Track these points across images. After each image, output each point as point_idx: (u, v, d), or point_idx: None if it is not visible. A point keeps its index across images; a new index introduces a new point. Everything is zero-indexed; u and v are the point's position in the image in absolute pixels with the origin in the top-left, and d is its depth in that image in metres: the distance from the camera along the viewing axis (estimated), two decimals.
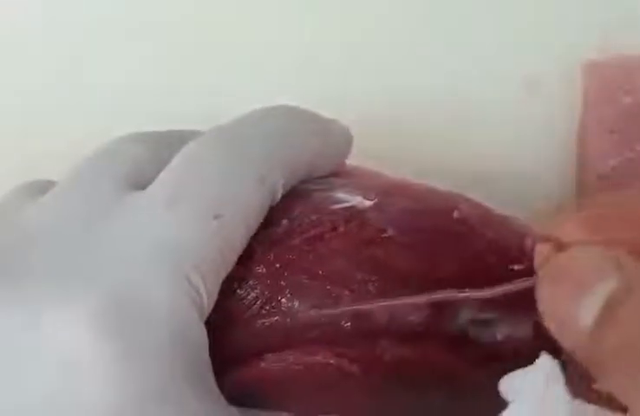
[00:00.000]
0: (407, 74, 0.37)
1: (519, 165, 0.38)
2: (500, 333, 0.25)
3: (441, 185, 0.31)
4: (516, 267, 0.25)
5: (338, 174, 0.27)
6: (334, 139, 0.28)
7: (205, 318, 0.23)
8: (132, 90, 0.37)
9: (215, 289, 0.24)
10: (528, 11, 0.37)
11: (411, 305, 0.24)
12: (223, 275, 0.24)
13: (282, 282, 0.24)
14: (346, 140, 0.28)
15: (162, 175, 0.25)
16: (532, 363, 0.24)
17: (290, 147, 0.26)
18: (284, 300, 0.24)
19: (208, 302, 0.23)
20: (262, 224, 0.25)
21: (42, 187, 0.27)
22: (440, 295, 0.24)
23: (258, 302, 0.24)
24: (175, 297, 0.23)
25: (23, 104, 0.37)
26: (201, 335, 0.23)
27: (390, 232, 0.25)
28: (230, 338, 0.24)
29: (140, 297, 0.23)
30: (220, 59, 0.37)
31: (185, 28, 0.37)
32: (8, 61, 0.37)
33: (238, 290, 0.24)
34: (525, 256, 0.25)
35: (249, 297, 0.24)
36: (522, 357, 0.24)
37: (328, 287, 0.24)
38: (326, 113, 0.36)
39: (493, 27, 0.37)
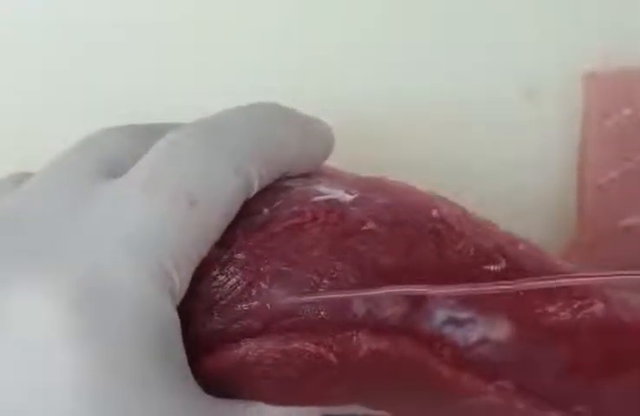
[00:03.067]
0: (404, 88, 0.39)
1: (519, 176, 0.39)
2: (476, 333, 0.26)
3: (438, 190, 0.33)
4: (492, 268, 0.27)
5: (319, 173, 0.29)
6: (315, 138, 0.29)
7: (177, 302, 0.25)
8: (132, 90, 0.39)
9: (188, 274, 0.25)
10: (528, 23, 0.39)
11: (389, 299, 0.26)
12: (196, 260, 0.25)
13: (262, 269, 0.26)
14: (327, 140, 0.30)
15: (140, 162, 0.26)
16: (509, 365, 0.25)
17: (268, 142, 0.27)
18: (263, 286, 0.26)
19: (180, 286, 0.25)
20: (243, 212, 0.26)
21: (21, 178, 0.28)
22: (417, 290, 0.26)
23: (238, 288, 0.26)
24: (146, 280, 0.24)
25: (23, 104, 0.39)
26: (173, 320, 0.25)
27: (370, 225, 0.26)
28: (207, 323, 0.26)
29: (111, 279, 0.24)
30: (220, 59, 0.39)
31: (185, 28, 0.39)
32: (8, 61, 0.39)
33: (219, 276, 0.26)
34: (503, 257, 0.27)
35: (229, 283, 0.26)
36: (498, 358, 0.26)
37: (307, 275, 0.26)
38: (325, 113, 0.38)
39: (493, 38, 0.39)
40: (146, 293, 0.24)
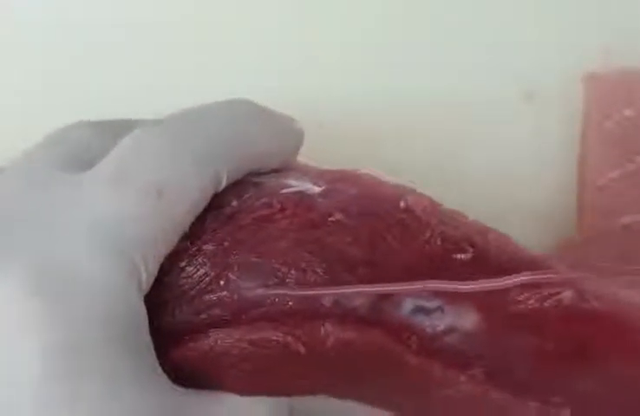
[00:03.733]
0: (404, 91, 0.39)
1: (520, 177, 0.39)
2: (444, 322, 0.27)
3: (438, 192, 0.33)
4: (460, 256, 0.27)
5: (289, 168, 0.29)
6: (285, 134, 0.29)
7: (144, 293, 0.26)
8: (132, 90, 0.39)
9: (155, 265, 0.26)
10: (528, 24, 0.39)
11: (356, 289, 0.26)
12: (163, 251, 0.26)
13: (230, 260, 0.26)
14: (297, 137, 0.30)
15: (108, 156, 0.27)
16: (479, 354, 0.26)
17: (238, 137, 0.28)
18: (232, 277, 0.26)
19: (147, 277, 0.25)
20: (212, 204, 0.27)
21: None
22: (388, 288, 0.27)
23: (206, 279, 0.26)
24: (112, 269, 0.25)
25: (23, 104, 0.40)
26: (139, 309, 0.25)
27: (337, 216, 0.27)
28: (176, 314, 0.26)
29: (76, 268, 0.25)
30: (220, 59, 0.39)
31: (185, 28, 0.39)
32: (8, 62, 0.40)
33: (187, 267, 0.26)
34: (470, 246, 0.27)
35: (197, 274, 0.26)
36: (467, 348, 0.26)
37: (275, 266, 0.26)
38: (325, 113, 0.38)
39: (493, 38, 0.39)
40: (111, 282, 0.25)
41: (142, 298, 0.25)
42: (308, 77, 0.40)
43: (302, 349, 0.26)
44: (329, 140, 0.39)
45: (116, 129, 0.29)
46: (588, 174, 0.38)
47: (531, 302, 0.27)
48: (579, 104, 0.38)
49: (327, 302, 0.26)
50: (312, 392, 0.27)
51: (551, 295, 0.27)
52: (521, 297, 0.27)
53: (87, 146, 0.28)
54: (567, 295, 0.27)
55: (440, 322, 0.26)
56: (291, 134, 0.30)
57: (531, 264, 0.27)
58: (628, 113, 0.37)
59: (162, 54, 0.39)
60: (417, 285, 0.26)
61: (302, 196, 0.27)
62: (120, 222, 0.25)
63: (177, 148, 0.27)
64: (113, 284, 0.25)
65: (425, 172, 0.39)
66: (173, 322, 0.26)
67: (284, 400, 0.28)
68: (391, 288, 0.26)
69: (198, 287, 0.26)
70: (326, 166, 0.30)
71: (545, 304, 0.27)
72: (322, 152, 0.37)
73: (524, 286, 0.27)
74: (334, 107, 0.40)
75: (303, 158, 0.32)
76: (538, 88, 0.39)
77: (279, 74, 0.39)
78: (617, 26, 0.39)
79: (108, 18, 0.39)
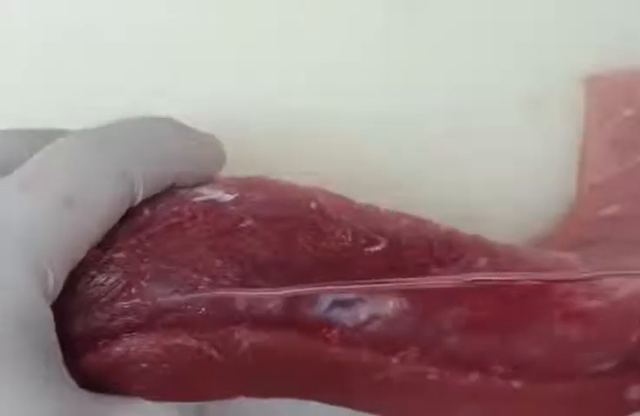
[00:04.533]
0: (404, 93, 0.40)
1: (520, 177, 0.40)
2: (365, 312, 0.27)
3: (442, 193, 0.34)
4: (373, 249, 0.28)
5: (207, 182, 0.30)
6: (205, 152, 0.30)
7: (51, 299, 0.26)
8: (132, 90, 0.39)
9: (63, 273, 0.26)
10: (529, 25, 0.40)
11: (269, 293, 0.27)
12: (73, 259, 0.26)
13: (142, 268, 0.27)
14: (218, 154, 0.31)
15: (24, 164, 0.27)
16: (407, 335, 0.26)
17: (156, 153, 0.28)
18: (143, 284, 0.27)
19: (55, 284, 0.26)
20: (125, 213, 0.27)
21: None
22: (299, 290, 0.27)
23: (118, 286, 0.27)
24: (18, 274, 0.25)
25: (23, 104, 0.39)
26: (46, 316, 0.25)
27: (248, 222, 0.28)
28: (88, 321, 0.27)
29: None
30: (220, 59, 0.40)
31: (185, 28, 0.39)
32: (7, 61, 0.40)
33: (98, 275, 0.27)
34: (382, 236, 0.28)
35: (109, 281, 0.27)
36: (393, 331, 0.27)
37: (187, 273, 0.27)
38: (321, 124, 0.38)
39: (494, 39, 0.40)
40: (16, 287, 0.25)
41: (49, 305, 0.26)
42: (308, 77, 0.40)
43: (216, 354, 0.27)
44: (325, 150, 0.40)
45: (37, 138, 0.29)
46: (588, 173, 0.38)
47: (448, 273, 0.27)
48: (580, 105, 0.39)
49: (240, 306, 0.27)
50: (229, 395, 0.28)
51: (468, 263, 0.28)
52: (437, 270, 0.28)
53: (10, 155, 0.28)
54: (482, 262, 0.28)
55: (360, 312, 0.27)
56: (212, 152, 0.31)
57: (445, 242, 0.28)
58: (628, 113, 0.38)
59: (162, 54, 0.40)
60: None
61: (212, 204, 0.28)
62: (28, 228, 0.26)
63: (95, 159, 0.27)
64: (19, 289, 0.25)
65: (426, 173, 0.40)
66: (86, 329, 0.27)
67: (194, 405, 0.28)
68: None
69: (110, 294, 0.27)
70: (287, 177, 0.31)
71: (464, 274, 0.27)
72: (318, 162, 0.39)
73: (440, 262, 0.28)
74: (330, 116, 0.40)
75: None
76: (539, 89, 0.39)
77: (279, 75, 0.40)
78: (616, 27, 0.39)
79: (108, 18, 0.40)
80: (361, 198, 0.30)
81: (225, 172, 0.31)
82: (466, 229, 0.30)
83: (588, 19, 0.40)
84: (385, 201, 0.31)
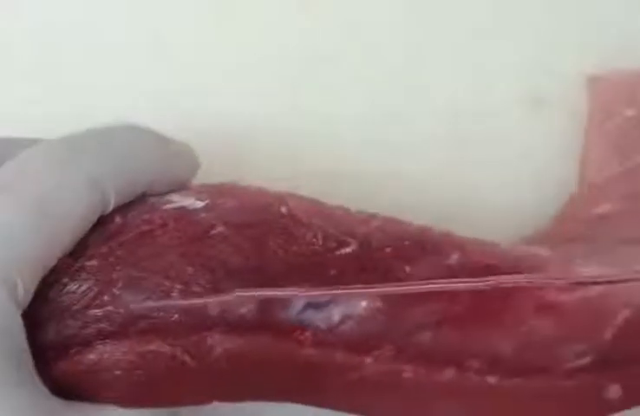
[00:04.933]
0: (405, 93, 0.40)
1: (522, 178, 0.40)
2: (337, 313, 0.28)
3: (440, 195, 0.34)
4: (343, 251, 0.28)
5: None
6: (177, 159, 0.30)
7: (22, 307, 0.26)
8: (132, 90, 0.40)
9: (34, 281, 0.26)
10: (531, 25, 0.40)
11: (241, 298, 0.27)
12: (43, 267, 0.26)
13: (114, 276, 0.27)
14: (190, 162, 0.31)
15: None
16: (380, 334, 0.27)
17: (127, 161, 0.28)
18: (116, 292, 0.27)
19: (25, 292, 0.26)
20: (97, 221, 0.28)
21: None
22: (271, 293, 0.28)
23: (90, 294, 0.27)
24: None
25: (24, 104, 0.40)
26: (16, 324, 0.26)
27: (219, 229, 0.28)
28: (60, 329, 0.27)
29: None
30: (220, 59, 0.40)
31: (185, 28, 0.40)
32: (7, 61, 0.40)
33: (70, 283, 0.27)
34: (353, 238, 0.28)
35: (80, 289, 0.27)
36: (365, 331, 0.27)
37: (159, 280, 0.27)
38: (321, 130, 0.38)
39: (497, 41, 0.40)
40: None
41: (19, 312, 0.26)
42: (308, 77, 0.40)
43: (189, 361, 0.27)
44: (324, 151, 0.40)
45: (8, 146, 0.29)
46: (588, 173, 0.39)
47: (420, 270, 0.28)
48: (583, 105, 0.39)
49: (213, 311, 0.27)
50: (203, 401, 0.28)
51: (439, 260, 0.28)
52: (409, 269, 0.28)
53: None
54: (454, 257, 0.28)
55: (333, 314, 0.28)
56: (185, 161, 0.31)
57: (417, 241, 0.29)
58: (630, 113, 0.38)
59: (162, 53, 0.40)
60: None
61: (183, 211, 0.28)
62: None
63: (66, 168, 0.27)
64: None
65: (426, 174, 0.40)
66: (58, 337, 0.27)
67: (167, 411, 0.28)
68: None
69: (82, 302, 0.27)
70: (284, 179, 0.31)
71: (436, 270, 0.28)
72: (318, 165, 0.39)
73: (411, 260, 0.28)
74: (330, 123, 0.40)
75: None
76: (541, 90, 0.40)
77: (279, 76, 0.40)
78: (618, 27, 0.40)
79: (108, 18, 0.40)
80: (360, 199, 0.31)
81: (224, 171, 0.32)
82: (466, 228, 0.30)
83: (591, 19, 0.40)
84: (385, 202, 0.32)
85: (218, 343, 0.27)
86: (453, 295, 0.28)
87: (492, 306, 0.28)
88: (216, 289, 0.27)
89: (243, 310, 0.27)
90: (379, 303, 0.28)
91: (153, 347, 0.27)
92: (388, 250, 0.29)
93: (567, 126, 0.40)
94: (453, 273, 0.28)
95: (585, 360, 0.29)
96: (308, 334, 0.28)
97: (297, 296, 0.28)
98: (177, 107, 0.39)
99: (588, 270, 0.30)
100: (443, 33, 0.40)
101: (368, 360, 0.28)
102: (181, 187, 0.30)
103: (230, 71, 0.40)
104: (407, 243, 0.29)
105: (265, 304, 0.27)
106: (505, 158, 0.40)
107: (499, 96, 0.40)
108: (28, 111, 0.39)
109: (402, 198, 0.39)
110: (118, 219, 0.28)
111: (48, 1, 0.40)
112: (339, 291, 0.28)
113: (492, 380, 0.28)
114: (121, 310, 0.27)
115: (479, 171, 0.40)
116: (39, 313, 0.27)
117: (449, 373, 0.28)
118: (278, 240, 0.28)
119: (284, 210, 0.29)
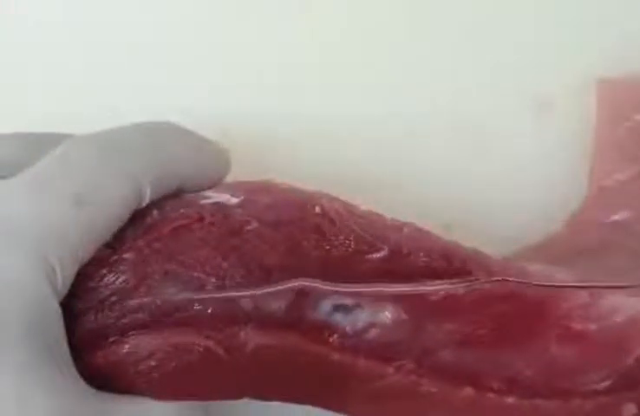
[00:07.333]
0: (409, 95, 0.41)
1: (531, 182, 0.40)
2: (363, 319, 0.28)
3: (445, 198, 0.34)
4: (374, 256, 0.29)
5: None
6: (209, 158, 0.31)
7: (60, 295, 0.27)
8: (132, 90, 0.40)
9: (72, 271, 0.27)
10: (540, 29, 0.41)
11: (274, 294, 0.28)
12: (81, 258, 0.27)
13: (150, 268, 0.28)
14: (222, 161, 0.32)
15: (32, 166, 0.28)
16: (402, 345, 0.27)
17: (162, 157, 0.29)
18: (152, 284, 0.28)
19: (63, 279, 0.27)
20: (134, 214, 0.28)
21: None
22: (300, 284, 0.28)
23: (128, 286, 0.28)
24: (27, 269, 0.26)
25: (26, 104, 0.40)
26: (54, 311, 0.26)
27: (254, 225, 0.29)
28: (98, 319, 0.28)
29: None
30: (220, 59, 0.41)
31: (185, 28, 0.40)
32: (7, 61, 0.41)
33: (108, 274, 0.28)
34: (384, 244, 0.29)
35: (118, 281, 0.28)
36: (389, 340, 0.28)
37: (194, 274, 0.28)
38: (324, 130, 0.39)
39: (501, 43, 0.41)
40: (25, 283, 0.26)
41: (57, 300, 0.27)
42: (308, 77, 0.41)
43: (223, 354, 0.28)
44: (326, 152, 0.40)
45: (42, 141, 0.30)
46: (597, 177, 0.39)
47: (447, 288, 0.28)
48: (591, 109, 0.40)
49: (247, 306, 0.28)
50: (235, 396, 0.29)
51: (464, 280, 0.29)
52: (437, 286, 0.28)
53: (10, 157, 0.30)
54: (480, 279, 0.29)
55: (359, 319, 0.28)
56: (216, 158, 0.32)
57: (444, 255, 0.29)
58: (639, 117, 0.39)
59: (162, 54, 0.40)
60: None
61: (219, 206, 0.29)
62: (38, 227, 0.27)
63: (103, 162, 0.28)
64: (28, 284, 0.26)
65: (431, 176, 0.40)
66: (96, 327, 0.28)
67: (204, 405, 0.29)
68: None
69: (119, 293, 0.28)
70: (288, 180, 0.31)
71: (460, 290, 0.28)
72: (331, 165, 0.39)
73: (438, 274, 0.29)
74: (330, 124, 0.41)
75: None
76: (549, 92, 0.40)
77: (279, 76, 0.41)
78: (627, 30, 0.40)
79: (108, 18, 0.40)
80: (362, 199, 0.31)
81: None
82: (471, 232, 0.31)
83: (599, 23, 0.41)
84: (388, 202, 0.32)
85: (251, 338, 0.28)
86: (477, 317, 0.29)
87: (516, 331, 0.29)
88: (249, 284, 0.28)
89: (274, 307, 0.28)
90: (404, 315, 0.29)
91: (188, 338, 0.28)
92: (417, 259, 0.29)
93: (576, 130, 0.40)
94: (482, 294, 0.29)
95: (606, 384, 0.29)
96: (335, 336, 0.28)
97: (327, 297, 0.28)
98: (177, 107, 0.39)
99: (612, 300, 0.30)
100: (443, 33, 0.41)
101: (390, 370, 0.29)
102: (214, 185, 0.31)
103: (230, 71, 0.41)
104: (436, 256, 0.29)
105: (296, 302, 0.28)
106: (511, 160, 0.41)
107: (506, 99, 0.41)
108: (28, 110, 0.40)
109: (404, 198, 0.40)
110: (155, 213, 0.29)
111: (49, 0, 0.41)
112: (367, 289, 0.28)
113: (510, 400, 0.29)
114: (158, 301, 0.28)
115: (485, 175, 0.41)
116: (77, 303, 0.28)
117: (468, 391, 0.29)
118: (311, 239, 0.29)
119: (317, 209, 0.29)
